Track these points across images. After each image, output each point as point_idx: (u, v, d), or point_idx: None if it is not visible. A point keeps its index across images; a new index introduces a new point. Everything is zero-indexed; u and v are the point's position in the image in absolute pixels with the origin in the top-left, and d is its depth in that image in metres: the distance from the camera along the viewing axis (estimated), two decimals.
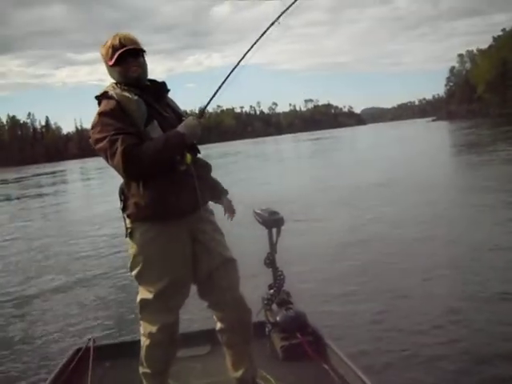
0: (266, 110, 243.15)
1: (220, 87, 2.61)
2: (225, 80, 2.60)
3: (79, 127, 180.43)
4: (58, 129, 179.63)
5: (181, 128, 2.44)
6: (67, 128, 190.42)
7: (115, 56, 2.47)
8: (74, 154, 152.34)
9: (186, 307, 2.66)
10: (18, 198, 24.96)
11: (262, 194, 14.01)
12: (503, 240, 6.97)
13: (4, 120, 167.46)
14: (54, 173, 53.77)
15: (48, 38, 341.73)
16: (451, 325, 4.42)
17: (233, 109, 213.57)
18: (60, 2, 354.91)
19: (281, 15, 2.69)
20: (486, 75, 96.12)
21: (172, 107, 2.64)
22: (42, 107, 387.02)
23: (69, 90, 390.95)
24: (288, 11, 2.70)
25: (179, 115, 2.62)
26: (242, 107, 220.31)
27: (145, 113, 2.42)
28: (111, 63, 2.49)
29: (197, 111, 2.79)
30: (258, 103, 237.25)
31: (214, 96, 2.64)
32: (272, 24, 2.68)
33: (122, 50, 2.46)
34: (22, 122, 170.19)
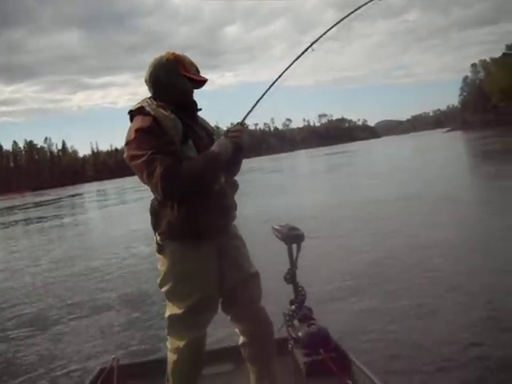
0: (280, 126, 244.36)
1: (254, 106, 2.67)
2: (259, 99, 2.66)
3: (95, 150, 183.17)
4: (75, 152, 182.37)
5: (215, 147, 2.45)
6: (83, 151, 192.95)
7: (201, 77, 2.56)
8: (91, 176, 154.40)
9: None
10: (37, 222, 25.15)
11: (279, 211, 14.01)
12: None
13: (21, 145, 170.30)
14: (72, 196, 54.23)
15: (64, 64, 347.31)
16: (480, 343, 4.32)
17: (247, 126, 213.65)
18: (76, 27, 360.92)
19: (316, 41, 2.72)
20: (500, 83, 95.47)
21: (203, 126, 2.65)
22: (58, 131, 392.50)
23: (84, 112, 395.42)
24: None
25: (210, 133, 2.65)
26: (256, 124, 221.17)
27: (181, 131, 2.41)
28: (192, 76, 2.52)
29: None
30: (272, 119, 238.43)
31: (249, 113, 2.69)
32: (306, 50, 2.71)
33: (205, 79, 2.57)
34: (38, 146, 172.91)
